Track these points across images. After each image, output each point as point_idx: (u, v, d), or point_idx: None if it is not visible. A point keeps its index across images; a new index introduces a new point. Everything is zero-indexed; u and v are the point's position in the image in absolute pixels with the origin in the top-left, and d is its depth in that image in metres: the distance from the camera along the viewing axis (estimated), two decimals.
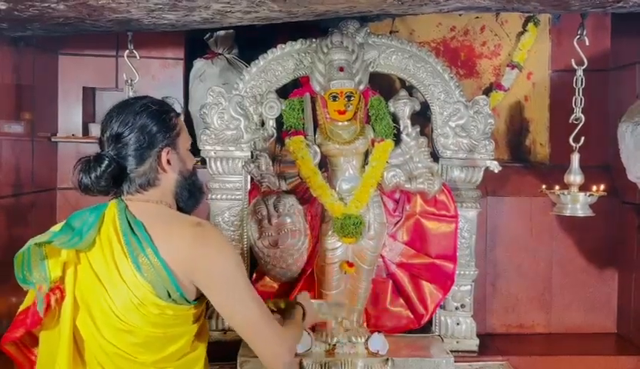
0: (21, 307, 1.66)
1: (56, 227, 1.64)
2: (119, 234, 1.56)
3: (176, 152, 1.64)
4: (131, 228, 1.56)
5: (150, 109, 1.61)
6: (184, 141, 1.67)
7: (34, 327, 1.61)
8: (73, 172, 1.59)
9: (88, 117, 3.22)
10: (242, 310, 1.59)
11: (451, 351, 2.62)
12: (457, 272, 2.71)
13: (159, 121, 1.61)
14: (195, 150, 2.75)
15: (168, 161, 1.61)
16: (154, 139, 1.59)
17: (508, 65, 3.49)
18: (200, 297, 1.62)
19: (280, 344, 1.62)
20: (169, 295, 1.54)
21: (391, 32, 3.50)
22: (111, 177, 1.57)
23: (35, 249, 1.57)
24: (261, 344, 1.62)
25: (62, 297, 1.58)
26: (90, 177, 1.56)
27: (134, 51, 2.69)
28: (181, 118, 1.73)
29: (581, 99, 2.55)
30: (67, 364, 1.55)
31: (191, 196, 1.68)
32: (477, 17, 3.51)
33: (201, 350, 1.70)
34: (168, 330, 1.58)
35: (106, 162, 1.56)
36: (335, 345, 2.59)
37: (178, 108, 1.70)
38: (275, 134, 2.69)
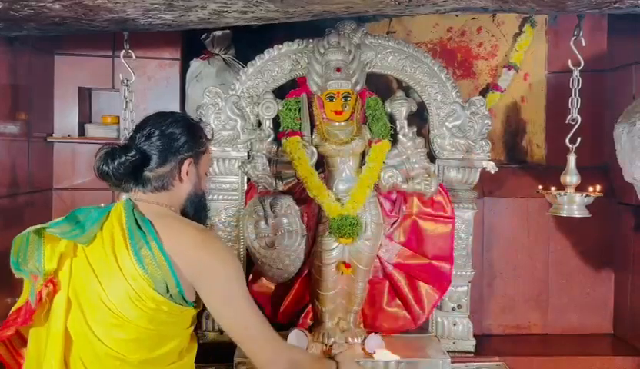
0: (14, 307, 1.67)
1: (59, 219, 1.67)
2: (123, 228, 1.60)
3: (196, 167, 1.73)
4: (137, 224, 1.60)
5: (185, 121, 1.73)
6: (206, 161, 1.78)
7: (25, 324, 1.62)
8: (95, 156, 1.66)
9: (84, 117, 3.22)
10: (240, 319, 1.63)
11: (448, 352, 2.62)
12: (453, 273, 2.71)
13: (190, 133, 1.71)
14: None
15: (187, 173, 1.70)
16: (180, 147, 1.68)
17: (504, 66, 3.50)
18: (196, 302, 1.64)
19: (275, 353, 1.66)
20: (167, 290, 1.56)
21: (388, 33, 3.50)
22: (131, 168, 1.63)
23: (34, 237, 1.61)
24: (256, 351, 1.65)
25: (55, 291, 1.59)
26: (113, 164, 1.62)
27: (130, 51, 2.68)
28: (211, 145, 1.84)
29: (577, 100, 2.55)
30: (59, 363, 1.55)
31: (195, 213, 1.75)
32: (474, 18, 3.51)
33: (189, 362, 1.71)
34: (161, 328, 1.59)
35: (132, 152, 1.63)
36: (331, 345, 2.59)
37: (210, 135, 1.83)
38: (272, 135, 2.68)
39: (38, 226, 1.61)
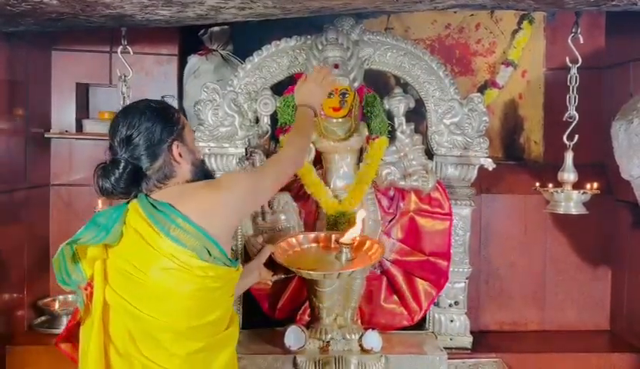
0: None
1: (82, 228, 1.74)
2: (145, 218, 1.66)
3: (185, 145, 1.77)
4: (156, 208, 1.66)
5: (152, 108, 1.74)
6: (189, 133, 1.82)
7: (73, 323, 1.78)
8: (93, 179, 1.72)
9: (82, 113, 3.21)
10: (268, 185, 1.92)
11: (445, 348, 2.63)
12: (451, 269, 2.71)
13: (163, 117, 1.74)
14: None
15: (180, 154, 1.74)
16: (162, 135, 1.71)
17: (502, 63, 3.50)
18: (236, 260, 1.77)
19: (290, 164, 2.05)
20: (209, 253, 1.65)
21: (386, 29, 3.50)
22: (129, 179, 1.69)
23: (68, 252, 1.67)
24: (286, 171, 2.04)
25: (92, 293, 1.69)
26: (110, 181, 1.68)
27: (127, 47, 2.68)
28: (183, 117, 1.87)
29: (575, 97, 2.55)
30: (97, 351, 1.65)
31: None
32: (472, 14, 3.51)
33: (234, 332, 1.82)
34: (208, 295, 1.69)
35: (122, 164, 1.68)
36: (328, 342, 2.59)
37: (176, 105, 1.81)
38: (270, 131, 2.68)
39: (68, 240, 1.67)
